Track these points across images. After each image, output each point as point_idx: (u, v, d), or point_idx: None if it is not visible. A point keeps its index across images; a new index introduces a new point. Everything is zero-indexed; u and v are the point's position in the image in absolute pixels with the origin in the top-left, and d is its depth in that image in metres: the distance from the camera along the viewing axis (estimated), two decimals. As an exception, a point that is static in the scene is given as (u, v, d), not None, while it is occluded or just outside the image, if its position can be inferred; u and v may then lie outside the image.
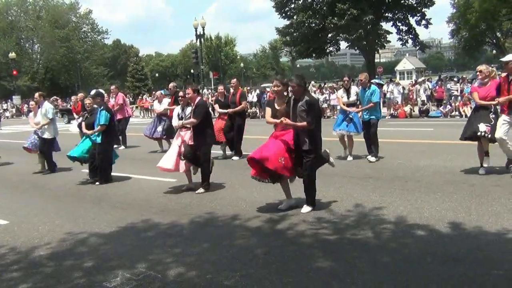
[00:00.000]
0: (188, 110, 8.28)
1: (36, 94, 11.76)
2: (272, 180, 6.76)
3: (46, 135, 11.24)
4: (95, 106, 9.83)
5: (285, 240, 5.52)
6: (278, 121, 6.49)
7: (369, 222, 5.96)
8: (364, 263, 4.63)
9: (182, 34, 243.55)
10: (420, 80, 27.38)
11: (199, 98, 8.35)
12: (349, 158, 10.60)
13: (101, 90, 10.97)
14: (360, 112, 10.46)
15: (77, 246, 5.73)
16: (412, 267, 4.49)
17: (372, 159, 10.15)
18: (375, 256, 4.80)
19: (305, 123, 6.32)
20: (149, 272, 4.68)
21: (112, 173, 9.80)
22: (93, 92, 10.63)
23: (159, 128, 13.33)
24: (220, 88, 12.87)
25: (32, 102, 12.72)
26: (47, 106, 11.44)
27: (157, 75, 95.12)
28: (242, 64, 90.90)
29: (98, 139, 9.56)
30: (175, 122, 8.49)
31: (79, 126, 11.28)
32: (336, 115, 11.18)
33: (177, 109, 8.64)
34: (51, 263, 5.18)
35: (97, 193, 8.70)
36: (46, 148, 11.37)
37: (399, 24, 40.98)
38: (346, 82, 10.81)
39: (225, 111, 11.75)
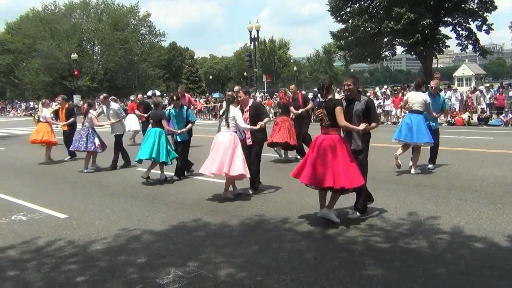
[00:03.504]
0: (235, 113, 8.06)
1: (101, 97, 12.23)
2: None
3: (116, 132, 11.79)
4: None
5: (335, 246, 5.46)
6: (361, 128, 6.11)
7: (424, 231, 5.80)
8: (418, 273, 4.51)
9: (235, 37, 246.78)
10: (484, 86, 26.35)
11: (251, 100, 8.49)
12: (415, 171, 9.61)
13: (157, 92, 11.36)
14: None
15: (131, 242, 5.89)
16: (468, 280, 4.33)
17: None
18: (429, 266, 4.67)
19: (374, 123, 6.30)
20: (200, 271, 4.74)
21: (168, 173, 10.03)
22: (149, 92, 11.00)
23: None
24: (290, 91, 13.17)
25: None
26: (115, 105, 11.99)
27: (211, 77, 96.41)
28: (295, 68, 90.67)
29: (186, 137, 10.02)
30: (245, 126, 8.02)
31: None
32: (400, 122, 10.24)
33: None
34: (106, 257, 5.35)
35: (151, 192, 8.91)
36: (117, 144, 11.88)
37: (459, 29, 39.58)
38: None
39: (299, 112, 11.82)
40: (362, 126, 6.16)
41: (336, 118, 6.06)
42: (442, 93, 10.31)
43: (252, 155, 8.30)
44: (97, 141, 11.66)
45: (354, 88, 6.41)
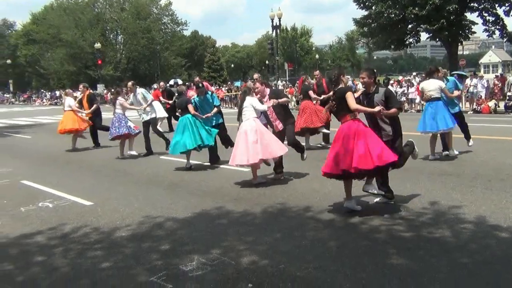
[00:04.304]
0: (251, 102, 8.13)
1: (129, 83, 12.35)
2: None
3: (149, 116, 11.87)
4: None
5: (358, 234, 5.43)
6: (376, 109, 6.08)
7: (448, 220, 5.73)
8: (442, 262, 4.46)
9: (257, 26, 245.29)
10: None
11: (268, 89, 8.58)
12: (433, 157, 9.67)
13: (179, 80, 11.46)
14: None
15: (154, 229, 5.96)
16: (494, 270, 4.27)
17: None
18: (454, 255, 4.62)
19: (395, 109, 6.23)
20: (223, 258, 4.78)
21: (192, 161, 10.08)
22: (172, 81, 11.10)
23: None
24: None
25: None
26: (141, 90, 12.22)
27: (232, 66, 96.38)
28: (317, 56, 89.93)
29: (220, 120, 10.33)
30: (264, 106, 8.14)
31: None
32: (423, 113, 9.96)
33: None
34: (131, 244, 5.43)
35: (175, 180, 8.98)
36: (147, 128, 11.95)
37: (486, 14, 38.60)
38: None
39: (320, 98, 11.77)
40: (378, 108, 6.12)
41: (348, 105, 6.05)
42: (450, 78, 10.38)
43: (286, 136, 8.44)
44: (130, 124, 11.91)
45: (369, 81, 6.37)
